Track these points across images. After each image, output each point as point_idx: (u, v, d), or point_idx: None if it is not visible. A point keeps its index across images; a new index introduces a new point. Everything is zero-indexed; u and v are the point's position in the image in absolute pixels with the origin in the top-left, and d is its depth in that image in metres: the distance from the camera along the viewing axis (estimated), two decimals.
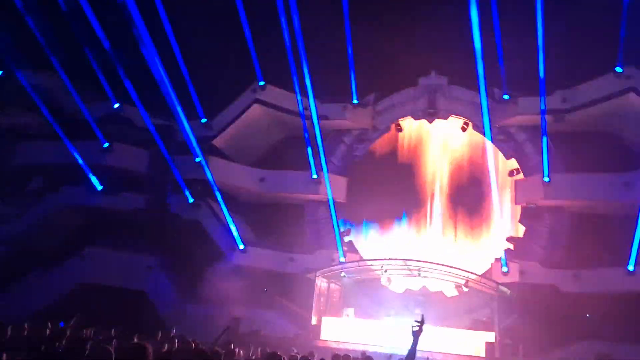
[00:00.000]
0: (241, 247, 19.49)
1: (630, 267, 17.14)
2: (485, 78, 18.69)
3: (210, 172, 18.98)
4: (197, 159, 19.16)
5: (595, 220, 18.31)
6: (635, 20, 18.24)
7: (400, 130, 21.29)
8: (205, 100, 20.52)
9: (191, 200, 19.66)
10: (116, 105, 21.23)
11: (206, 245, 19.36)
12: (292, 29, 18.55)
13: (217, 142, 20.64)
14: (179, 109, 17.95)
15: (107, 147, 19.95)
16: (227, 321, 15.91)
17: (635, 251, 17.15)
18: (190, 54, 19.35)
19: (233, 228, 19.34)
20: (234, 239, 19.42)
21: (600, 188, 18.27)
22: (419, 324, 5.60)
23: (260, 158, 21.57)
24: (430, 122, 20.92)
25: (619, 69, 18.81)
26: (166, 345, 9.73)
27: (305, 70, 18.56)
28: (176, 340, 10.31)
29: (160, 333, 12.24)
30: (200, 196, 19.63)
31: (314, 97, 19.54)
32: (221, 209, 19.28)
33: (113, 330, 12.10)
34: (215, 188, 19.06)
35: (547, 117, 19.01)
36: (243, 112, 20.77)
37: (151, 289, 18.85)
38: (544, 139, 18.88)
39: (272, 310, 18.41)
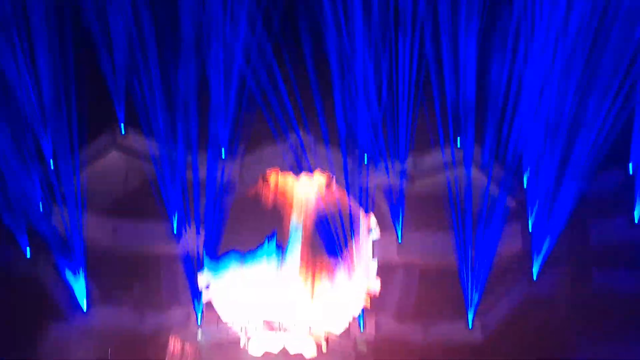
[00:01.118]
0: (86, 306, 17.61)
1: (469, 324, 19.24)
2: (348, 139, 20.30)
3: (54, 222, 17.08)
4: (39, 208, 17.12)
5: (442, 276, 20.07)
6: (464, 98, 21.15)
7: (267, 182, 21.43)
8: (55, 143, 18.48)
9: (29, 253, 17.35)
10: None
11: (44, 304, 17.19)
12: (162, 73, 18.01)
13: (65, 189, 18.59)
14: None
15: None
16: None
17: (470, 308, 19.40)
18: (42, 92, 17.47)
19: (77, 285, 17.46)
20: (79, 298, 17.50)
21: (444, 246, 20.29)
22: None
23: (114, 207, 19.87)
24: (297, 176, 21.44)
25: (458, 143, 21.45)
26: None
27: (173, 117, 18.04)
28: None
29: None
30: (41, 249, 17.43)
31: (179, 145, 18.91)
32: (64, 263, 17.37)
33: None
34: (58, 240, 17.16)
35: (400, 180, 20.85)
36: (97, 156, 19.14)
37: None
38: (397, 200, 20.70)
39: None
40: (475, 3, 20.38)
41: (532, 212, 19.46)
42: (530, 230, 19.35)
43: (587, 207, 19.34)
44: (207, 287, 19.83)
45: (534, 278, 18.90)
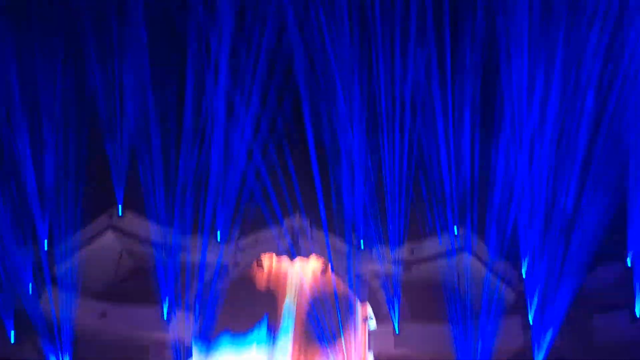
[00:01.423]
0: None
1: None
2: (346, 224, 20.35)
3: (43, 305, 16.68)
4: (29, 291, 16.77)
5: None
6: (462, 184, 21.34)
7: (262, 267, 21.21)
8: (53, 224, 18.48)
9: (13, 338, 16.77)
10: None
11: None
12: (163, 158, 18.35)
13: (58, 270, 18.30)
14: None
15: None
16: None
17: None
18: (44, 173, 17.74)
19: None
20: None
21: (443, 338, 19.63)
22: None
23: (106, 290, 19.49)
24: (292, 261, 21.24)
25: (455, 230, 21.38)
26: None
27: (170, 201, 18.17)
28: None
29: None
30: (28, 333, 16.88)
31: (175, 228, 18.92)
32: (50, 349, 16.71)
33: None
34: (46, 324, 16.65)
35: (397, 267, 20.59)
36: (94, 238, 19.05)
37: None
38: (394, 289, 20.31)
39: None
40: (468, 95, 21.13)
41: (531, 305, 19.05)
42: (530, 324, 18.84)
43: (587, 300, 18.95)
44: None
45: None
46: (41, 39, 17.72)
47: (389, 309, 20.12)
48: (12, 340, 16.77)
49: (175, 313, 18.76)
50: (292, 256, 21.06)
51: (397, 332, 19.61)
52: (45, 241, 18.54)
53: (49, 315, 16.95)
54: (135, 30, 18.39)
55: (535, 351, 18.73)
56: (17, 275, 16.88)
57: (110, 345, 18.47)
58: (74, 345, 18.08)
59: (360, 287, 21.20)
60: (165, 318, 18.68)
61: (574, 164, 19.86)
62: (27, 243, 17.03)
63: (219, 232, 20.38)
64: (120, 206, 19.50)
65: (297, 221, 21.11)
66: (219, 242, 20.42)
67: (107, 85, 18.62)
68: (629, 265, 18.85)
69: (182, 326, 18.76)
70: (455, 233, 21.03)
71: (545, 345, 18.56)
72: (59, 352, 17.01)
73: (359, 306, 20.86)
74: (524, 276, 19.81)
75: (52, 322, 16.96)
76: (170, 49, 18.78)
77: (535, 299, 19.13)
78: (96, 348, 18.40)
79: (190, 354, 18.86)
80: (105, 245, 19.37)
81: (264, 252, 21.01)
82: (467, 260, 20.81)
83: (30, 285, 16.97)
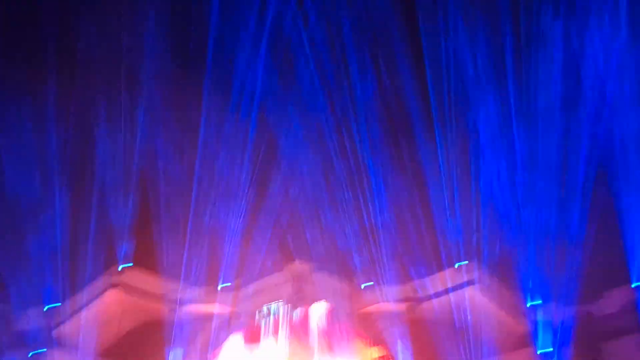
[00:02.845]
0: None
1: None
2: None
3: None
4: (31, 353, 16.53)
5: None
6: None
7: (265, 316, 20.98)
8: (54, 284, 18.39)
9: None
10: None
11: None
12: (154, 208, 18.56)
13: (60, 331, 18.04)
14: None
15: None
16: None
17: None
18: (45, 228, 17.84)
19: None
20: None
21: None
22: None
23: (110, 347, 19.17)
24: (295, 309, 21.04)
25: (458, 264, 21.25)
26: None
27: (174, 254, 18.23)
28: None
29: None
30: None
31: (177, 279, 18.87)
32: None
33: None
34: None
35: (402, 305, 20.38)
36: (97, 297, 18.93)
37: None
38: (400, 328, 20.05)
39: None
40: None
41: (540, 335, 18.81)
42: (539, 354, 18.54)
43: (595, 327, 18.73)
44: None
45: None
46: (50, 101, 18.23)
47: (396, 349, 19.82)
48: None
49: None
50: (295, 304, 20.88)
51: None
52: (46, 302, 18.45)
53: None
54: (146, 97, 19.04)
55: None
56: (20, 337, 16.68)
57: None
58: None
59: (366, 328, 20.85)
60: None
61: (577, 193, 19.95)
62: (31, 303, 16.85)
63: (220, 282, 20.33)
64: (122, 262, 19.50)
65: (298, 267, 21.06)
66: (222, 291, 20.31)
67: (113, 143, 19.00)
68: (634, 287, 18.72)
69: None
70: (457, 267, 20.94)
71: None
72: None
73: (366, 350, 20.53)
74: (529, 305, 19.67)
75: None
76: (180, 115, 19.39)
77: (541, 329, 18.94)
78: None
79: None
80: (108, 303, 19.20)
81: (267, 300, 20.82)
82: (473, 295, 20.60)
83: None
